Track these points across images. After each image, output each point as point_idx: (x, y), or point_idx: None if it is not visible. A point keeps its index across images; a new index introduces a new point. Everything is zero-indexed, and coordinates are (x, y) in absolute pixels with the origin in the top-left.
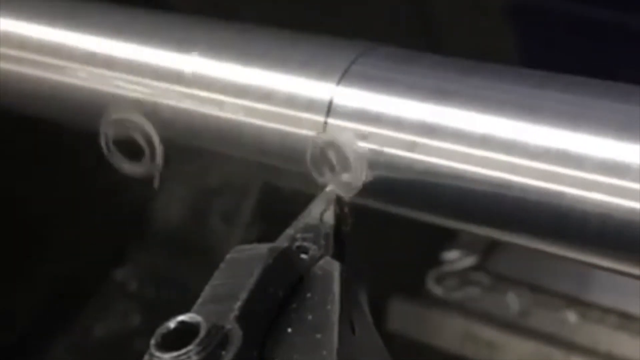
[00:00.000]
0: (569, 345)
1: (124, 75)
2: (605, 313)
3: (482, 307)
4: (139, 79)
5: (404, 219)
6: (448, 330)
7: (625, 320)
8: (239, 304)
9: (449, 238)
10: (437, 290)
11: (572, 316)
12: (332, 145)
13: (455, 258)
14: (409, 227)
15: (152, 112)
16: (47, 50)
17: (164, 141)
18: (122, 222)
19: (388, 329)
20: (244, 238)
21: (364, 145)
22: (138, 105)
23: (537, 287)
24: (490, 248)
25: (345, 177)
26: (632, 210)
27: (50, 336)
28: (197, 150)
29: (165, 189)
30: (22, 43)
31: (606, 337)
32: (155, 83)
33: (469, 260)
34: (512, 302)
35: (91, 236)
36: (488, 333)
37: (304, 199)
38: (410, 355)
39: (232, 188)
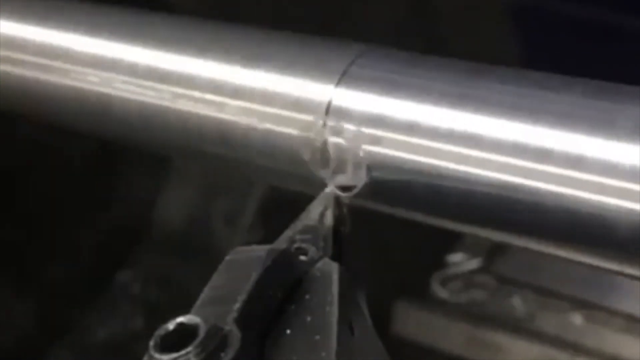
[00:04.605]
0: (575, 348)
1: (127, 78)
2: (611, 315)
3: (487, 310)
4: (143, 82)
5: (408, 221)
6: (453, 333)
7: (631, 322)
8: (237, 305)
9: (453, 240)
10: (441, 292)
11: (577, 319)
12: (332, 145)
13: (460, 261)
14: (413, 230)
15: (147, 113)
16: (45, 53)
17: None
18: (125, 223)
19: (392, 332)
20: (246, 240)
21: (365, 147)
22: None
23: (543, 289)
24: (495, 250)
25: (344, 178)
26: None
27: (53, 338)
28: (197, 152)
29: (168, 191)
30: (23, 45)
31: (612, 340)
32: (159, 86)
33: (474, 263)
34: (517, 304)
35: (94, 238)
36: (493, 336)
37: (303, 201)
38: (415, 358)
39: (234, 190)
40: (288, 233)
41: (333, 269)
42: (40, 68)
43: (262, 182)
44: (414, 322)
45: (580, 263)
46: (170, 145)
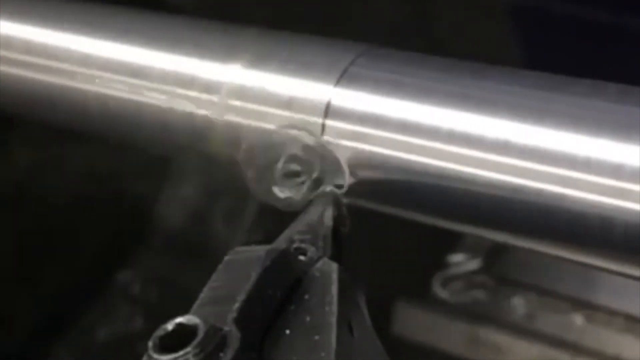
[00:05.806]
0: (575, 349)
1: (126, 78)
2: (611, 316)
3: (487, 310)
4: (141, 82)
5: (408, 221)
6: (453, 334)
7: (632, 323)
8: (237, 305)
9: (454, 241)
10: (442, 293)
11: (578, 319)
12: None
13: (460, 261)
14: (413, 230)
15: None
16: (45, 53)
17: None
18: (125, 224)
19: (393, 332)
20: (246, 240)
21: (364, 147)
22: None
23: (543, 290)
24: (495, 251)
25: (343, 178)
26: None
27: (52, 339)
28: (195, 152)
29: (168, 191)
30: (23, 45)
31: (613, 340)
32: (157, 86)
33: (475, 263)
34: (518, 305)
35: (93, 239)
36: (494, 336)
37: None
38: (415, 358)
39: (234, 190)
40: (287, 233)
41: (332, 269)
42: (39, 68)
43: None
44: (414, 322)
45: (580, 263)
46: (169, 145)
